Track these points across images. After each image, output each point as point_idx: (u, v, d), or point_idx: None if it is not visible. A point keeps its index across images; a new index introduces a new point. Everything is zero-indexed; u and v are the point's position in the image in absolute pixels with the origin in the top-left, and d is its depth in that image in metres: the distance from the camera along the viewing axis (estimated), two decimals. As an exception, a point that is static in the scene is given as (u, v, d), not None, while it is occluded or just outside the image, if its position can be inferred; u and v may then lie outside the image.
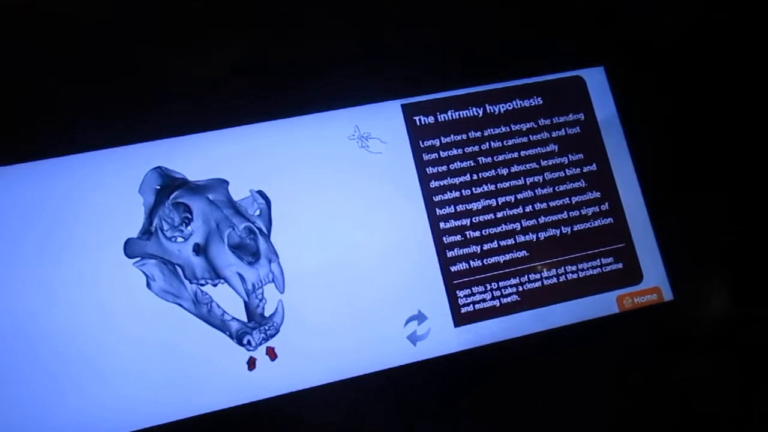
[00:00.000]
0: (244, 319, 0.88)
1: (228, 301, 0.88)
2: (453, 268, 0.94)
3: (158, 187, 0.91)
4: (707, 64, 1.05)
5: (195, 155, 0.92)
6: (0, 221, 0.86)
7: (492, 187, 0.98)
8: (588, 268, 0.97)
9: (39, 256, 0.86)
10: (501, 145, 0.99)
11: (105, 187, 0.89)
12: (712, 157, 1.02)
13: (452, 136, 0.99)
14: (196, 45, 0.93)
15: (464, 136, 0.99)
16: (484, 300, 0.94)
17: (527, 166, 0.99)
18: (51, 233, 0.87)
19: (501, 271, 0.95)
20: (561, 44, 1.05)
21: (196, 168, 0.92)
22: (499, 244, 0.96)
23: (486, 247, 0.96)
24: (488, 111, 1.01)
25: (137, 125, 0.92)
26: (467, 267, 0.95)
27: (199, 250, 0.89)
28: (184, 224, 0.90)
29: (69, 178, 0.89)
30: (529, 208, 0.98)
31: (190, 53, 0.94)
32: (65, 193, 0.88)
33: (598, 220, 0.99)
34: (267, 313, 0.89)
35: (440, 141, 0.98)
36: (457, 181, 0.97)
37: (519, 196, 0.98)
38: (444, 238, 0.95)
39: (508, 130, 1.00)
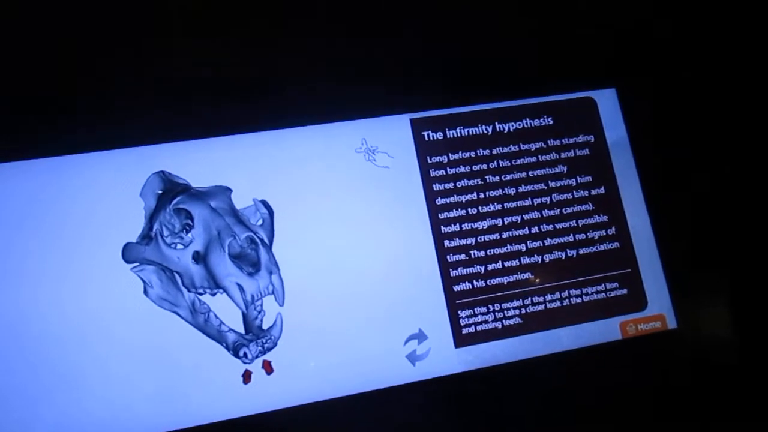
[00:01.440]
0: (242, 330, 0.86)
1: (226, 311, 0.87)
2: (456, 288, 0.93)
3: (160, 192, 0.89)
4: (722, 91, 1.04)
5: (199, 161, 0.91)
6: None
7: (499, 207, 0.96)
8: (592, 293, 0.96)
9: (34, 257, 0.84)
10: (509, 164, 0.98)
11: (106, 189, 0.88)
12: (723, 185, 1.01)
13: (460, 153, 0.97)
14: (204, 49, 0.92)
15: (472, 154, 0.98)
16: (486, 321, 0.92)
17: (535, 186, 0.98)
18: (49, 234, 0.85)
19: (504, 293, 0.94)
20: (573, 64, 1.04)
21: (199, 174, 0.91)
22: (503, 264, 0.95)
23: (490, 267, 0.94)
24: (498, 129, 1.00)
25: (141, 127, 0.90)
26: (470, 287, 0.93)
27: (199, 258, 0.87)
28: (184, 231, 0.88)
29: (69, 178, 0.87)
30: (535, 230, 0.96)
31: (197, 57, 0.93)
32: (64, 193, 0.87)
33: (605, 245, 0.98)
34: (265, 326, 0.87)
35: (448, 158, 0.97)
36: (463, 199, 0.96)
37: (526, 216, 0.97)
38: (448, 257, 0.93)
39: (517, 149, 0.99)
